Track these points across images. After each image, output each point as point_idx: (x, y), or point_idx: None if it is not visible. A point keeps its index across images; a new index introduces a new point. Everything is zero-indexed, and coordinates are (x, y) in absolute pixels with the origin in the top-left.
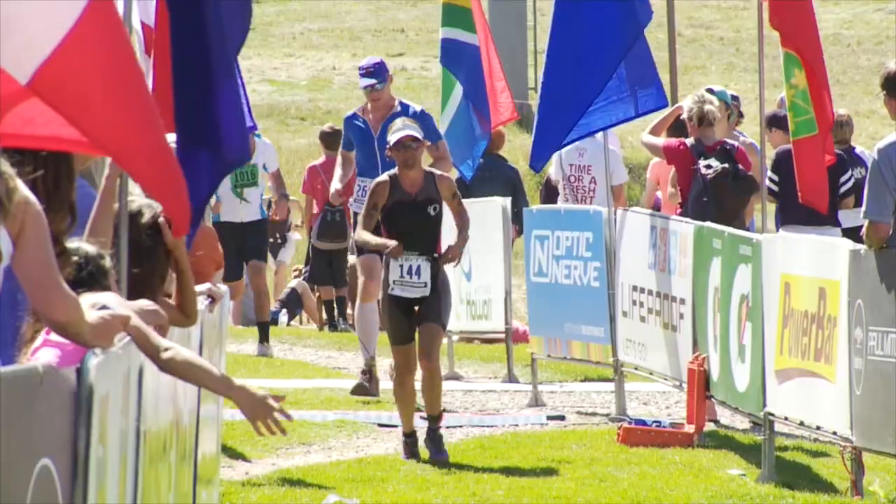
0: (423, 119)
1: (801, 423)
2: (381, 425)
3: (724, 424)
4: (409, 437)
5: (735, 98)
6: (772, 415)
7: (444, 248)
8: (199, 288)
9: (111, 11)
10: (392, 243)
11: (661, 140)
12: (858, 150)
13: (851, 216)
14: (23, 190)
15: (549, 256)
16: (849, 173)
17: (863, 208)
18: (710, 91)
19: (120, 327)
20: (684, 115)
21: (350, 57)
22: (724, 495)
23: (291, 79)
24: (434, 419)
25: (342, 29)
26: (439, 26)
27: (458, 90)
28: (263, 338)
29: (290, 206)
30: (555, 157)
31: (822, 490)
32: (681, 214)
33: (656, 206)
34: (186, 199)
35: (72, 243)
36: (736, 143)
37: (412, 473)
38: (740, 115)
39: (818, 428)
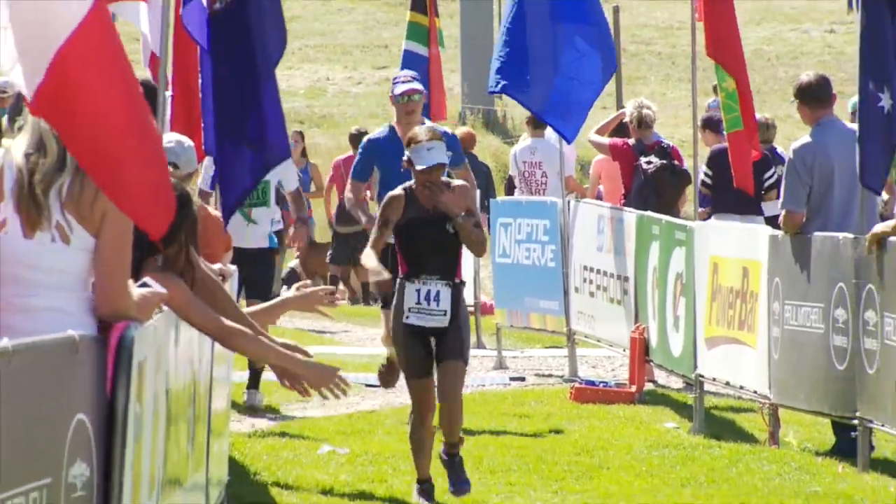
0: (451, 141)
1: (727, 384)
2: (368, 385)
3: (661, 384)
4: (425, 484)
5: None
6: (702, 376)
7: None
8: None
9: (108, 22)
10: (385, 276)
11: (607, 140)
12: (779, 150)
13: (773, 207)
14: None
15: (512, 241)
16: (772, 170)
17: (780, 200)
18: None
19: (158, 303)
20: (626, 119)
21: (342, 69)
22: (661, 445)
23: (291, 88)
24: (452, 445)
25: (335, 45)
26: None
27: None
28: (253, 384)
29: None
30: (510, 155)
31: (745, 440)
32: (624, 205)
33: (599, 197)
34: (165, 211)
35: None
36: (671, 143)
37: (395, 427)
38: None
39: (741, 387)
